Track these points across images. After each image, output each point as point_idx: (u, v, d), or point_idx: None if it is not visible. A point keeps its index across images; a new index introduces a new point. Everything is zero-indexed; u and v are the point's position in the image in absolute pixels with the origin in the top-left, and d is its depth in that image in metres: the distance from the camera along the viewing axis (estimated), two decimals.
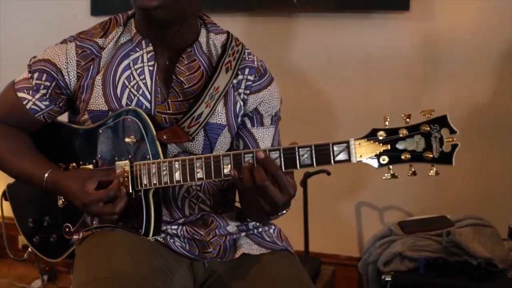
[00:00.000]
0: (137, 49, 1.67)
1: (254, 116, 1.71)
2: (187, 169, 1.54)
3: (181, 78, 1.66)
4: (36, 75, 1.69)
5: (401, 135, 1.40)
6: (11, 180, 1.84)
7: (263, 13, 2.94)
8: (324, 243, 3.00)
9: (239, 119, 1.70)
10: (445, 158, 1.38)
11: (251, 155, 1.47)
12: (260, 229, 1.76)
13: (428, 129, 1.39)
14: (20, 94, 1.70)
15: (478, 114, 2.73)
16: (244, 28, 2.98)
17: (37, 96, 1.69)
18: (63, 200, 1.72)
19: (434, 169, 1.39)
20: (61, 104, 1.72)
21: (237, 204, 1.79)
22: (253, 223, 1.75)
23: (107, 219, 1.62)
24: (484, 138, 2.76)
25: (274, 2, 2.87)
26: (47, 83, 1.69)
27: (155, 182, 1.57)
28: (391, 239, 2.45)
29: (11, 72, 3.34)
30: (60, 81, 1.68)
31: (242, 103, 1.69)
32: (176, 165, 1.55)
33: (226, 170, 1.50)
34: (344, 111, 2.92)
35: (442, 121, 1.38)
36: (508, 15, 2.64)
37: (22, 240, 3.28)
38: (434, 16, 2.73)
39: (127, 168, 1.61)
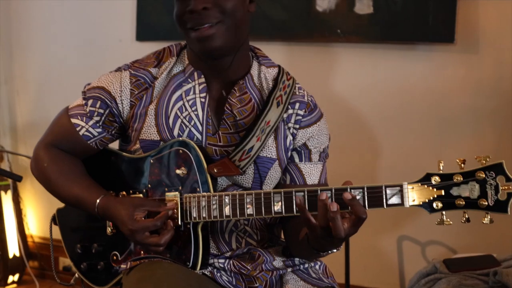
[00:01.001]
0: (189, 80, 1.69)
1: (303, 151, 1.71)
2: (237, 204, 1.54)
3: (233, 110, 1.67)
4: (90, 102, 1.71)
5: (455, 181, 1.40)
6: (61, 204, 1.86)
7: (307, 42, 2.95)
8: (365, 277, 2.97)
9: (289, 153, 1.70)
10: (500, 207, 1.37)
11: (301, 193, 1.48)
12: (306, 265, 1.75)
13: (484, 176, 1.38)
14: (73, 120, 1.72)
15: None
16: (288, 57, 3.00)
17: (91, 123, 1.72)
18: (111, 227, 1.73)
19: (489, 216, 1.38)
20: (113, 132, 1.74)
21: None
22: (298, 259, 1.74)
23: (152, 250, 1.63)
24: None
25: (319, 32, 2.88)
26: (101, 110, 1.71)
27: (204, 215, 1.58)
28: (436, 277, 2.41)
29: (55, 92, 3.47)
30: (114, 109, 1.70)
31: (291, 138, 1.69)
32: (226, 200, 1.55)
33: (277, 207, 1.51)
34: (387, 142, 2.90)
35: (498, 168, 1.38)
36: None
37: (63, 261, 3.35)
38: (479, 49, 2.70)
39: (177, 200, 1.61)
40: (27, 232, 3.65)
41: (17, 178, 2.32)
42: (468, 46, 2.70)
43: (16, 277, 3.51)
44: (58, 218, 1.89)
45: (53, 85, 3.55)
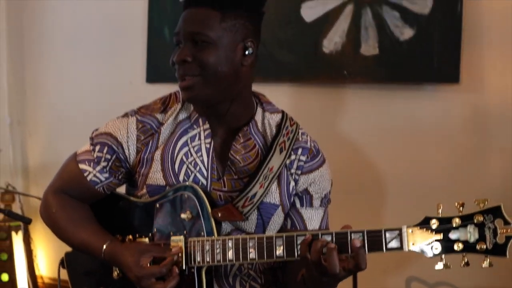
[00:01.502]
0: (195, 126, 1.72)
1: (304, 196, 1.73)
2: (240, 249, 1.56)
3: (237, 157, 1.69)
4: (97, 147, 1.74)
5: (454, 225, 1.41)
6: (69, 248, 1.88)
7: (314, 83, 2.99)
8: None
9: (292, 199, 1.72)
10: (499, 250, 1.38)
11: (303, 237, 1.49)
12: None
13: (482, 219, 1.39)
14: (81, 166, 1.75)
15: None
16: (294, 98, 3.03)
17: (98, 168, 1.74)
18: (118, 272, 1.74)
19: (488, 260, 1.39)
20: (120, 177, 1.77)
21: None
22: None
23: None
24: None
25: (325, 73, 2.92)
26: (108, 156, 1.74)
27: (208, 259, 1.60)
28: None
29: (67, 134, 3.52)
30: (120, 155, 1.73)
31: (294, 183, 1.71)
32: (230, 244, 1.57)
33: (279, 251, 1.52)
34: (393, 183, 2.91)
35: (496, 212, 1.39)
36: None
37: None
38: (484, 89, 2.72)
39: (182, 244, 1.63)
40: (37, 272, 3.67)
41: (27, 221, 2.35)
42: (473, 86, 2.72)
43: None
44: (66, 262, 1.91)
45: (65, 127, 3.60)
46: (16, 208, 3.55)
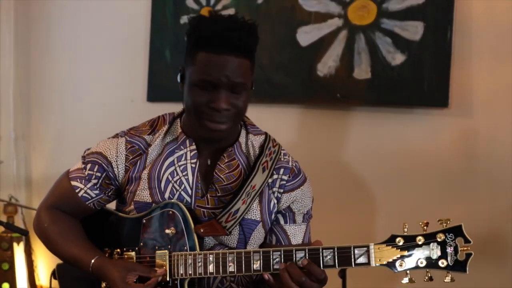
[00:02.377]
0: (182, 147, 1.80)
1: (287, 214, 1.81)
2: (220, 262, 1.65)
3: (221, 175, 1.78)
4: (89, 166, 1.84)
5: (418, 243, 1.51)
6: (60, 261, 1.95)
7: (308, 105, 3.06)
8: None
9: (273, 216, 1.80)
10: (459, 266, 1.48)
11: (278, 253, 1.60)
12: None
13: (444, 237, 1.49)
14: (73, 183, 1.84)
15: None
16: (288, 119, 3.10)
17: (89, 185, 1.83)
18: (106, 284, 1.82)
19: (450, 276, 1.48)
20: (109, 194, 1.86)
21: None
22: None
23: None
24: None
25: (319, 95, 3.00)
26: (98, 174, 1.83)
27: (190, 272, 1.68)
28: None
29: (70, 149, 3.58)
30: (110, 173, 1.82)
31: (276, 201, 1.80)
32: (211, 258, 1.66)
33: (256, 265, 1.62)
34: (383, 203, 2.97)
35: (457, 231, 1.49)
36: None
37: None
38: (472, 113, 2.79)
39: (166, 258, 1.72)
40: (37, 282, 3.74)
41: (24, 233, 2.44)
42: (462, 110, 2.79)
43: None
44: (58, 273, 2.00)
45: (67, 142, 3.68)
46: (18, 220, 3.63)
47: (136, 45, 3.48)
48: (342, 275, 2.73)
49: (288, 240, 1.81)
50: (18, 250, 3.57)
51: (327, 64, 2.97)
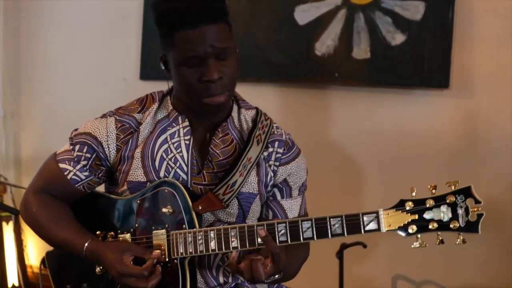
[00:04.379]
0: (174, 124, 1.77)
1: (284, 188, 1.81)
2: (222, 238, 1.61)
3: (216, 150, 1.75)
4: (77, 147, 1.78)
5: (428, 206, 1.49)
6: (50, 247, 1.90)
7: (306, 85, 3.02)
8: None
9: (269, 188, 1.79)
10: (471, 227, 1.47)
11: (283, 224, 1.56)
12: None
13: (454, 199, 1.48)
14: (61, 165, 1.79)
15: None
16: (286, 99, 3.06)
17: (78, 167, 1.78)
18: (101, 267, 1.76)
19: (461, 237, 1.48)
20: (100, 175, 1.80)
21: None
22: None
23: None
24: None
25: (317, 75, 2.95)
26: (88, 155, 1.77)
27: (191, 250, 1.64)
28: None
29: (59, 128, 3.53)
30: (100, 153, 1.77)
31: (272, 174, 1.78)
32: (212, 235, 1.63)
33: (260, 239, 1.58)
34: (382, 185, 2.94)
35: (466, 192, 1.49)
36: None
37: None
38: (473, 94, 2.76)
39: (164, 237, 1.67)
40: (27, 262, 3.70)
41: (15, 212, 2.38)
42: (463, 91, 2.76)
43: None
44: (47, 261, 1.92)
45: (58, 121, 3.64)
46: (7, 199, 3.58)
47: (129, 22, 3.43)
48: (340, 256, 2.72)
49: (285, 214, 1.80)
50: (7, 230, 3.51)
51: (326, 44, 2.93)
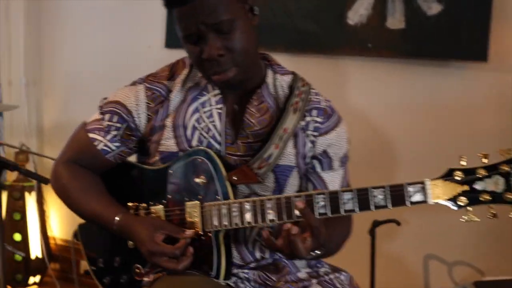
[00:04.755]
0: (205, 92, 1.69)
1: (324, 160, 1.71)
2: (258, 210, 1.53)
3: (252, 120, 1.66)
4: (107, 116, 1.71)
5: (479, 176, 1.39)
6: (82, 220, 1.84)
7: (337, 55, 2.94)
8: None
9: (308, 160, 1.69)
10: None
11: (322, 196, 1.48)
12: (331, 276, 1.72)
13: (508, 169, 1.37)
14: (91, 135, 1.72)
15: None
16: (317, 69, 2.97)
17: (108, 137, 1.71)
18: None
19: None
20: (131, 145, 1.74)
21: None
22: (323, 269, 1.74)
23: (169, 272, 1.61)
24: None
25: (349, 45, 2.86)
26: (118, 125, 1.70)
27: (225, 223, 1.57)
28: None
29: (82, 96, 3.49)
30: (131, 123, 1.70)
31: (311, 145, 1.68)
32: (247, 206, 1.55)
33: (298, 212, 1.48)
34: (414, 160, 2.86)
35: None
36: None
37: (85, 265, 3.35)
38: None
39: (198, 209, 1.59)
40: (49, 233, 3.67)
41: (44, 181, 2.32)
42: (501, 65, 2.66)
43: (37, 278, 3.53)
44: (80, 234, 1.88)
45: (80, 89, 3.57)
46: (30, 168, 3.53)
47: None
48: (372, 233, 2.66)
49: (326, 187, 1.70)
50: (30, 200, 3.47)
51: (358, 12, 2.83)
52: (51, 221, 3.71)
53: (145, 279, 1.70)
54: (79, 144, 1.75)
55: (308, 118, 1.68)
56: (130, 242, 1.68)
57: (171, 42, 3.26)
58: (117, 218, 1.64)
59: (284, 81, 1.71)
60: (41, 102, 3.75)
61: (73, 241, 1.88)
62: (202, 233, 1.59)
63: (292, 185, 1.69)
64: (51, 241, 3.68)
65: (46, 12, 3.68)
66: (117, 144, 1.71)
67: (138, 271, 1.70)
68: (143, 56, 3.38)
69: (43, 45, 3.71)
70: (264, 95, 1.68)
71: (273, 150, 1.62)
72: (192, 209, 1.61)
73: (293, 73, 1.74)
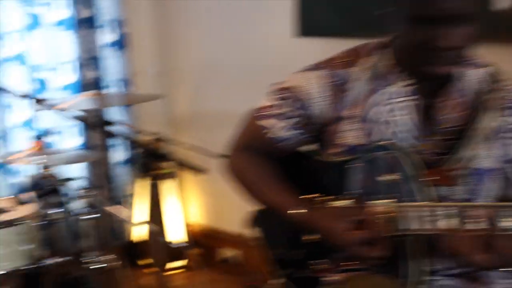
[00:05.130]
0: (395, 82, 1.60)
1: None
2: (464, 218, 1.44)
3: (445, 116, 1.58)
4: (281, 102, 1.66)
5: None
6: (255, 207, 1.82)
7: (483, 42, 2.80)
8: None
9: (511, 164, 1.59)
10: None
11: None
12: None
13: None
14: (263, 122, 1.69)
15: None
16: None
17: (282, 124, 1.67)
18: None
19: None
20: (307, 135, 1.68)
21: None
22: None
23: (370, 263, 1.56)
24: None
25: (496, 31, 2.72)
26: (294, 113, 1.65)
27: (424, 227, 1.48)
28: None
29: (213, 85, 3.52)
30: (306, 111, 1.64)
31: None
32: (454, 211, 1.45)
33: (506, 223, 1.40)
34: None
35: None
36: None
37: (223, 252, 3.43)
38: None
39: (392, 210, 1.51)
40: (189, 220, 3.75)
41: (202, 171, 2.30)
42: None
43: (177, 263, 3.59)
44: (261, 220, 1.81)
45: (211, 78, 3.60)
46: None
47: None
48: None
49: None
50: (169, 187, 3.54)
51: None
52: (189, 208, 3.79)
53: (331, 277, 1.64)
54: (251, 131, 1.73)
55: (510, 118, 1.57)
56: (312, 235, 1.62)
57: (303, 31, 3.14)
58: (297, 209, 1.60)
59: (480, 75, 1.60)
60: (173, 92, 3.81)
61: (252, 224, 1.81)
62: (395, 235, 1.51)
63: (489, 191, 1.58)
64: (188, 228, 3.75)
65: (176, 5, 3.73)
66: (291, 132, 1.66)
67: (322, 267, 1.64)
68: (275, 45, 3.33)
69: (173, 36, 3.76)
70: (458, 89, 1.58)
71: (470, 151, 1.54)
72: (386, 208, 1.52)
73: (490, 65, 1.61)
